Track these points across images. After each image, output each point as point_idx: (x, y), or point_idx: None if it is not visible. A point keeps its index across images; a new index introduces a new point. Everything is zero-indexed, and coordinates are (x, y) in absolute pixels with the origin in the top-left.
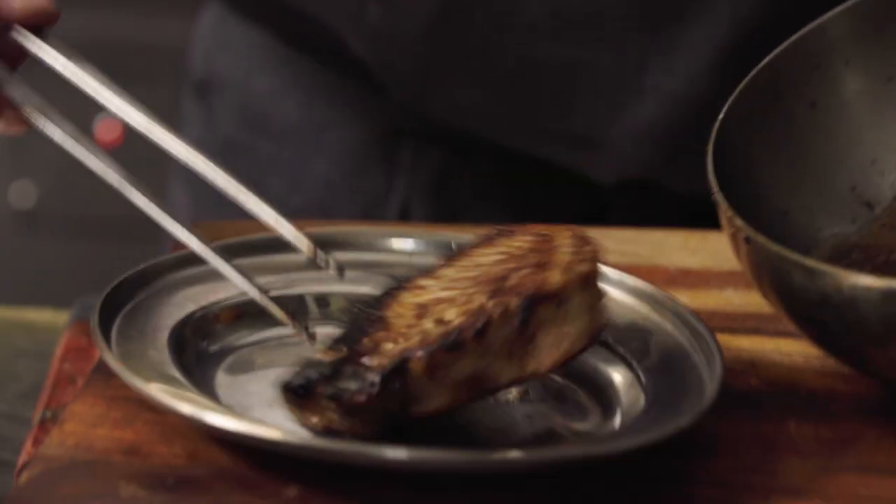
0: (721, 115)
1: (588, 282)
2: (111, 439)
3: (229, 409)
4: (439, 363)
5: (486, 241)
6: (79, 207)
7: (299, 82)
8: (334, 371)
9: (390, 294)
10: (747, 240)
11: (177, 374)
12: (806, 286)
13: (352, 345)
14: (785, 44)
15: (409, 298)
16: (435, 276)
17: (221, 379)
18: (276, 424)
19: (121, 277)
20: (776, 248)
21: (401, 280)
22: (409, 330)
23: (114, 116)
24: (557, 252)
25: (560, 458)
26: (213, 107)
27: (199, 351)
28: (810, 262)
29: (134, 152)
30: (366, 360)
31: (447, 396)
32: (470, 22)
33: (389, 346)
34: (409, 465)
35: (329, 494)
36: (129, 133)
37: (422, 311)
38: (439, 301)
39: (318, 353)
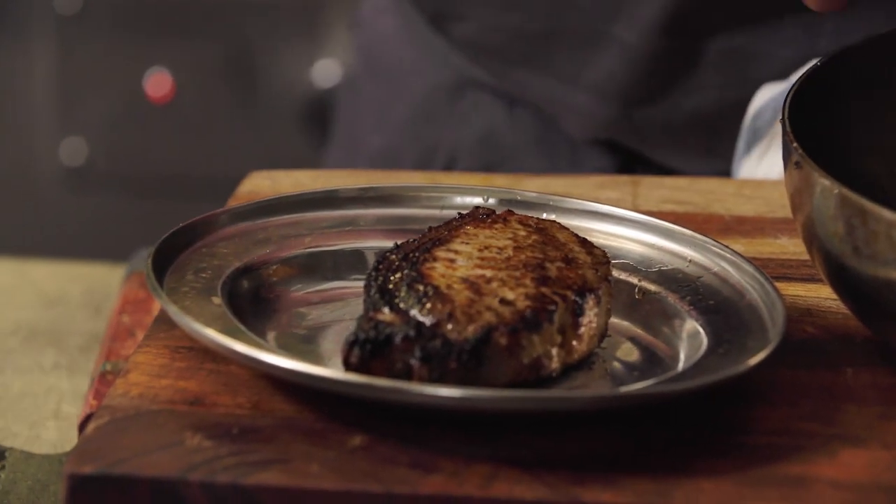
0: (822, 59)
1: (609, 282)
2: (175, 390)
3: (291, 354)
4: (518, 341)
5: (478, 221)
6: (129, 165)
7: (407, 24)
8: (417, 333)
9: (415, 261)
10: (797, 164)
11: (235, 322)
12: (836, 216)
13: (410, 309)
14: None
15: (446, 270)
16: (450, 248)
17: (274, 331)
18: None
19: (174, 228)
20: (820, 172)
21: (406, 246)
22: (475, 305)
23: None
24: (570, 249)
25: (622, 397)
26: (353, 45)
27: (254, 302)
28: (847, 192)
29: (184, 108)
30: (450, 328)
31: (512, 375)
32: None
33: (464, 317)
34: (463, 403)
35: (393, 444)
36: (180, 89)
37: (472, 286)
38: (485, 279)
39: (374, 314)
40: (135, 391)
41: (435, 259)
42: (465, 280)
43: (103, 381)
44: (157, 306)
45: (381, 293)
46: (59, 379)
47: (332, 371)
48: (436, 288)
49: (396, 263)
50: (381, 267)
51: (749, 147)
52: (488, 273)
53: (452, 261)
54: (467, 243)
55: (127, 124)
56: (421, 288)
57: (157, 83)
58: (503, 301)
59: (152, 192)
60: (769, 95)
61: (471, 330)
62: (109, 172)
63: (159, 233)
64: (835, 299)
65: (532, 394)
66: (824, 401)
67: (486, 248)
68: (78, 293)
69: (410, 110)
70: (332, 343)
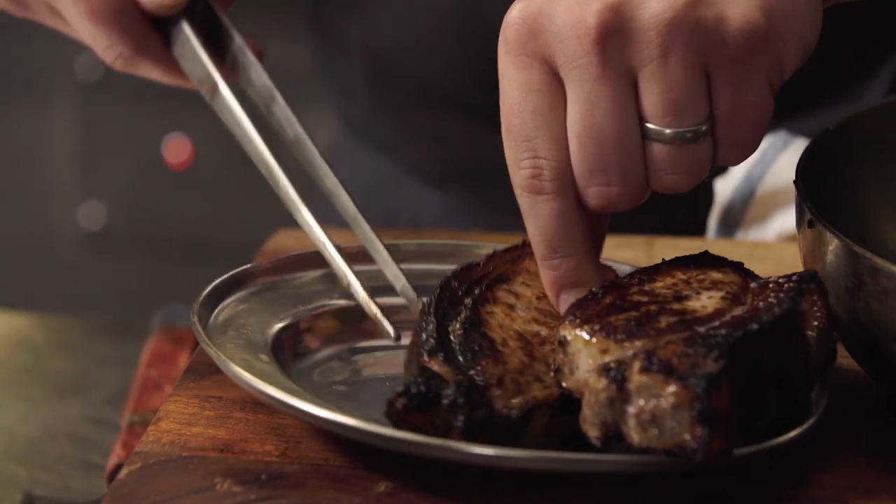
0: (833, 126)
1: None
2: (205, 437)
3: (327, 403)
4: (559, 422)
5: None
6: (148, 230)
7: None
8: (466, 400)
9: (476, 299)
10: (810, 223)
11: (277, 373)
12: (848, 273)
13: (464, 365)
14: None
15: (504, 319)
16: (511, 289)
17: (314, 383)
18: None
19: (217, 281)
20: (832, 231)
21: (468, 273)
22: (525, 373)
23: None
24: None
25: (651, 465)
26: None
27: (295, 355)
28: (859, 249)
29: (203, 174)
30: (498, 395)
31: (547, 442)
32: None
33: (513, 386)
34: (497, 461)
35: (418, 491)
36: (199, 154)
37: (527, 345)
38: (540, 339)
39: (428, 360)
40: (166, 438)
41: (495, 301)
42: (520, 337)
43: (131, 432)
44: (183, 360)
45: (437, 333)
46: (86, 430)
47: (365, 423)
48: (491, 342)
49: (458, 295)
50: (442, 295)
51: (728, 236)
52: (543, 332)
53: (512, 307)
54: (528, 285)
55: (146, 189)
56: (477, 340)
57: (176, 149)
58: (550, 369)
59: (171, 256)
60: (729, 189)
61: (516, 403)
62: (128, 237)
63: (178, 293)
64: (846, 356)
65: (548, 456)
66: (837, 454)
67: (544, 296)
68: (103, 348)
69: (376, 176)
70: (370, 397)
